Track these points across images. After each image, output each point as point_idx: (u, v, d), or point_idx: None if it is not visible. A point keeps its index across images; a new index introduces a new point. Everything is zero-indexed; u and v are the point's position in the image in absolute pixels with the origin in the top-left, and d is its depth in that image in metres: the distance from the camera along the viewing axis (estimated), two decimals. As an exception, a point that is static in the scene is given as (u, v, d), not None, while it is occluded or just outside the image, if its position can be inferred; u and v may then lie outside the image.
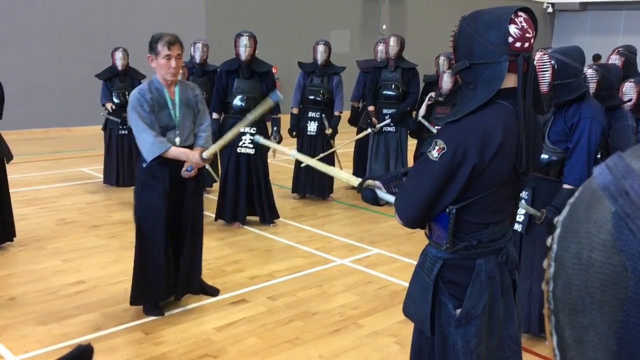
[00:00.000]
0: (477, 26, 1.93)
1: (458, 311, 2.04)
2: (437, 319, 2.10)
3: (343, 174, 2.57)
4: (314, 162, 2.76)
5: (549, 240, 0.61)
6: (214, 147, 3.67)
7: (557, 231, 0.59)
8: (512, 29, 1.89)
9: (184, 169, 3.72)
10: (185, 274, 3.96)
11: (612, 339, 0.53)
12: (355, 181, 2.37)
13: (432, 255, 2.09)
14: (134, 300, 3.84)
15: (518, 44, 1.89)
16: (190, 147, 3.79)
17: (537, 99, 2.04)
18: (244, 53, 5.58)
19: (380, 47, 7.21)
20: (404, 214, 2.04)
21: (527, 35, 1.91)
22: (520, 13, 1.92)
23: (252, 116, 3.75)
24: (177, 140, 3.70)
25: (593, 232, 0.54)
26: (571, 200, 0.60)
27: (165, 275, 3.81)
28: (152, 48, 3.56)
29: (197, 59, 6.74)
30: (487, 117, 1.90)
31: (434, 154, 1.93)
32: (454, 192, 1.93)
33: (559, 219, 0.60)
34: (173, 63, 3.57)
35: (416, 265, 2.18)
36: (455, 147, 1.89)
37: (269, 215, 5.91)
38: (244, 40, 5.59)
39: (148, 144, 3.55)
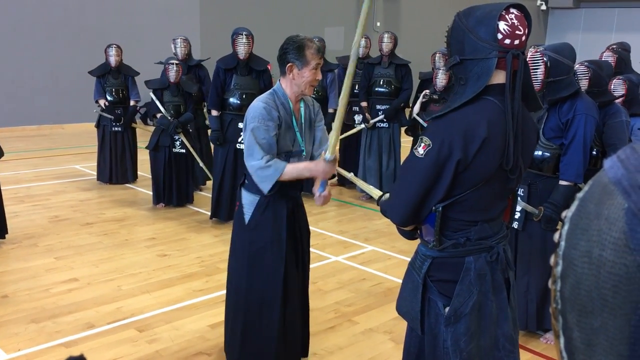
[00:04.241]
0: (469, 22, 1.92)
1: (447, 309, 2.03)
2: (427, 317, 2.09)
3: (373, 190, 2.56)
4: (350, 176, 2.84)
5: (556, 236, 0.58)
6: (332, 141, 2.77)
7: (565, 227, 0.56)
8: (502, 26, 1.87)
9: (316, 192, 2.91)
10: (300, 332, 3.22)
11: (624, 344, 0.50)
12: (377, 194, 2.38)
13: (422, 254, 2.09)
14: None
15: (507, 41, 1.88)
16: None
17: (532, 97, 2.02)
18: (243, 51, 5.60)
19: (362, 42, 7.17)
20: (394, 213, 2.03)
21: (518, 32, 1.89)
22: (512, 10, 1.90)
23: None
24: None
25: (604, 230, 0.51)
26: (580, 194, 0.56)
27: (283, 342, 3.04)
28: (298, 56, 2.80)
29: (180, 55, 6.72)
30: (472, 113, 1.89)
31: (420, 151, 1.92)
32: (443, 188, 1.92)
33: (567, 215, 0.57)
34: (319, 76, 2.88)
35: (409, 263, 2.19)
36: (441, 143, 1.88)
37: None
38: (243, 39, 5.61)
39: (259, 171, 2.80)
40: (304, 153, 2.97)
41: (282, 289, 2.95)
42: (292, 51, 2.81)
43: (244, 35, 5.62)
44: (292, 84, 2.88)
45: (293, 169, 2.81)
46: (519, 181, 2.07)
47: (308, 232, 3.18)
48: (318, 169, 2.81)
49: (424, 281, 2.06)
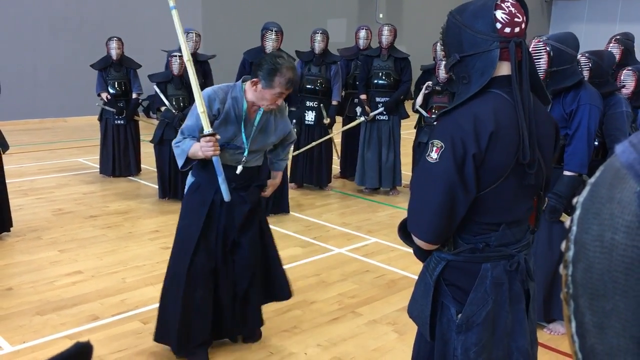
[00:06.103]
0: (464, 18, 1.84)
1: (460, 316, 1.93)
2: (439, 322, 1.99)
3: None
4: None
5: (567, 222, 0.58)
6: (202, 117, 2.92)
7: (577, 212, 0.56)
8: (499, 14, 1.80)
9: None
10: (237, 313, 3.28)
11: (637, 325, 0.50)
12: None
13: (437, 256, 1.96)
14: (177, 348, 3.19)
15: (507, 30, 1.80)
16: (256, 169, 3.18)
17: (540, 89, 1.93)
18: (271, 47, 5.69)
19: (362, 33, 7.18)
20: (422, 231, 1.86)
21: (517, 19, 1.81)
22: None
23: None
24: (240, 167, 3.04)
25: (616, 213, 0.51)
26: (591, 179, 0.57)
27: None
28: (266, 76, 2.83)
29: (190, 49, 6.65)
30: (477, 105, 1.80)
31: (433, 155, 1.79)
32: (471, 190, 1.78)
33: (578, 200, 0.57)
34: (279, 102, 2.95)
35: (423, 265, 2.08)
36: (453, 141, 1.76)
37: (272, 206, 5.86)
38: (272, 35, 5.69)
39: (174, 148, 3.01)
40: (245, 152, 3.02)
41: (185, 274, 3.04)
42: (265, 70, 2.83)
43: (273, 31, 5.71)
44: (253, 93, 2.93)
45: (191, 148, 2.91)
46: (538, 176, 1.90)
47: (247, 227, 3.14)
48: (195, 147, 2.89)
49: (435, 284, 1.96)
